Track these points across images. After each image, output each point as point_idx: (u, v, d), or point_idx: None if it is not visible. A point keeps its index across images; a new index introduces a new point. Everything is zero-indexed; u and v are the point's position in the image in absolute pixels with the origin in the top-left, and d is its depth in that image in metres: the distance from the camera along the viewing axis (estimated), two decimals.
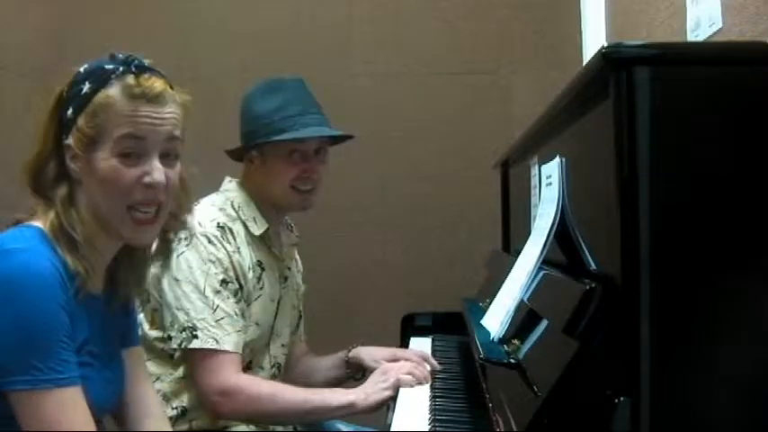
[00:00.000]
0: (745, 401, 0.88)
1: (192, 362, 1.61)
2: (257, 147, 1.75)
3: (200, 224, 1.63)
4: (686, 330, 0.87)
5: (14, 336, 1.07)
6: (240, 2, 2.76)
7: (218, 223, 1.67)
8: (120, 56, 1.20)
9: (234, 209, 1.73)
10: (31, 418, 1.09)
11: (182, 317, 1.59)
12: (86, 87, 1.18)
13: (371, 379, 1.67)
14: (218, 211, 1.71)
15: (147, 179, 1.18)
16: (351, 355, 1.89)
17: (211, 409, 1.61)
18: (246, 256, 1.69)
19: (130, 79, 1.18)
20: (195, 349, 1.58)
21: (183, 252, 1.60)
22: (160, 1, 2.75)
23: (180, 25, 2.72)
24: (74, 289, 1.14)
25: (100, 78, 1.18)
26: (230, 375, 1.59)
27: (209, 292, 1.60)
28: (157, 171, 1.18)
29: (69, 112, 1.18)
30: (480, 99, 2.69)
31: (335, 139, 1.85)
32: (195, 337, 1.58)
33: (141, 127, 1.17)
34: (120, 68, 1.19)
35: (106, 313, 1.27)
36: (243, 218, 1.72)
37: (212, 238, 1.64)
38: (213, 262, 1.62)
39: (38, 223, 1.17)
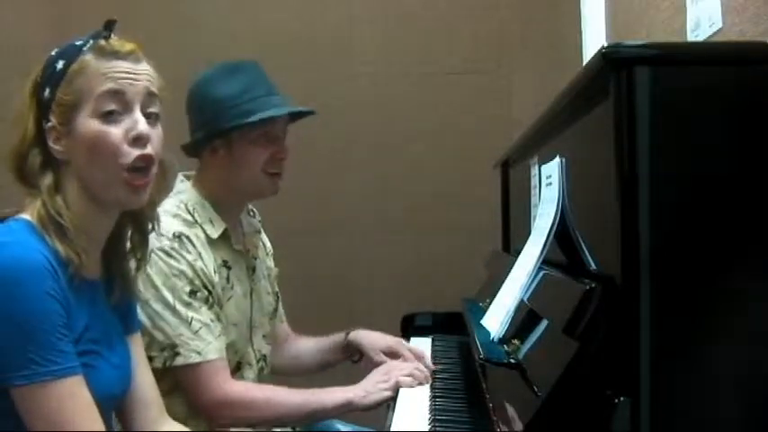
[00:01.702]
0: (745, 401, 0.88)
1: (180, 378, 1.57)
2: (223, 134, 1.66)
3: (155, 238, 1.54)
4: (686, 330, 0.87)
5: (9, 330, 1.07)
6: (240, 2, 2.76)
7: (174, 233, 1.59)
8: (88, 34, 1.22)
9: (189, 212, 1.65)
10: (34, 411, 1.09)
11: (159, 336, 1.54)
12: (60, 65, 1.18)
13: (372, 377, 1.67)
14: (173, 218, 1.62)
15: (133, 133, 1.18)
16: (350, 338, 1.87)
17: (212, 420, 1.59)
18: (209, 260, 1.63)
19: (102, 42, 1.19)
20: (181, 366, 1.55)
21: (145, 272, 1.53)
22: (161, 2, 2.75)
23: (180, 26, 2.72)
24: (67, 276, 1.14)
25: (72, 53, 1.19)
26: (221, 385, 1.57)
27: (180, 307, 1.55)
28: (141, 123, 1.18)
29: (46, 92, 1.18)
30: (480, 99, 2.69)
31: (293, 119, 1.79)
32: (177, 354, 1.54)
33: (119, 81, 1.18)
34: (90, 41, 1.20)
35: (106, 300, 1.27)
36: (199, 221, 1.65)
37: (170, 251, 1.57)
38: (177, 275, 1.56)
39: (25, 215, 1.16)
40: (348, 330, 1.89)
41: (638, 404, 0.85)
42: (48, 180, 1.18)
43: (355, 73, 2.72)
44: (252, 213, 1.86)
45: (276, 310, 1.91)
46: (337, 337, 1.91)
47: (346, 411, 1.64)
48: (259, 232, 1.88)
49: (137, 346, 1.38)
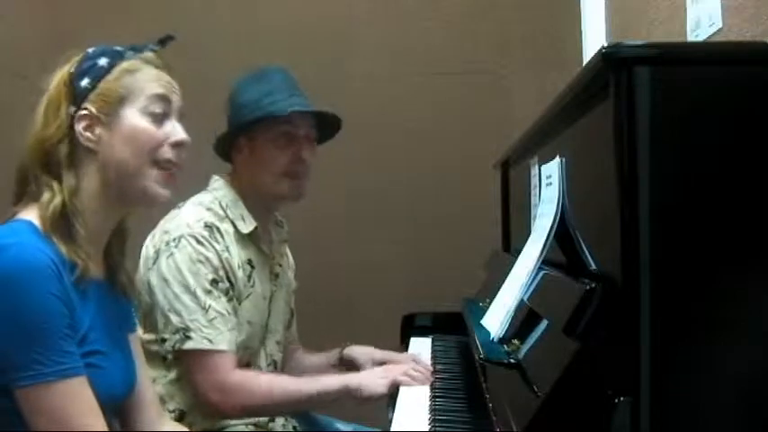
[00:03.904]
0: (745, 401, 0.88)
1: (188, 363, 1.60)
2: (246, 133, 1.74)
3: (187, 225, 1.63)
4: (686, 330, 0.87)
5: (15, 331, 1.07)
6: (240, 3, 2.76)
7: (206, 223, 1.65)
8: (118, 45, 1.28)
9: (222, 208, 1.71)
10: (37, 411, 1.09)
11: (174, 319, 1.58)
12: (103, 61, 1.24)
13: (372, 371, 1.68)
14: (206, 210, 1.69)
15: (174, 138, 1.26)
16: (345, 353, 1.89)
17: (212, 408, 1.61)
18: (235, 255, 1.67)
19: (149, 54, 1.27)
20: (190, 350, 1.57)
21: (172, 253, 1.60)
22: (160, 2, 2.75)
23: (180, 26, 2.67)
24: (73, 278, 1.14)
25: (115, 54, 1.25)
26: (227, 373, 1.59)
27: (199, 293, 1.58)
28: (182, 131, 1.27)
29: (85, 82, 1.22)
30: (480, 99, 2.69)
31: (325, 135, 1.84)
32: (189, 338, 1.57)
33: (168, 89, 1.26)
34: (129, 51, 1.27)
35: (109, 299, 1.28)
36: (231, 216, 1.70)
37: (200, 238, 1.62)
38: (202, 262, 1.60)
39: (27, 216, 1.16)
40: (342, 346, 1.91)
41: (638, 404, 0.85)
42: (71, 180, 1.19)
43: (354, 73, 2.72)
44: (280, 224, 1.91)
45: (290, 324, 1.94)
46: (333, 353, 1.93)
47: (344, 396, 1.64)
48: (285, 242, 1.91)
49: (135, 345, 1.38)
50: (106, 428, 1.15)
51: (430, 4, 2.73)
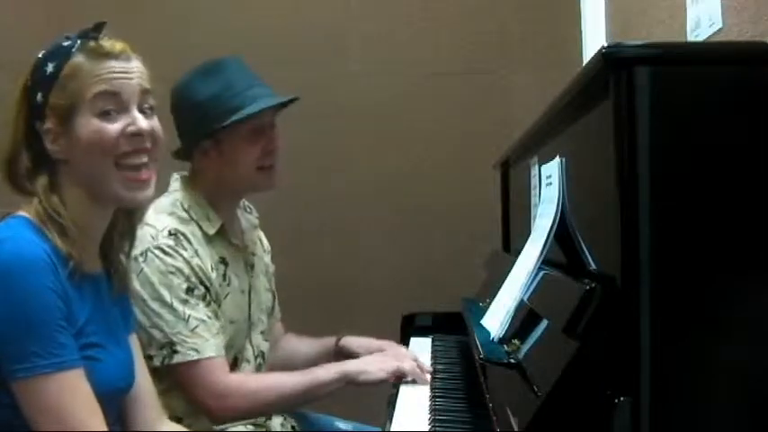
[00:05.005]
0: (745, 401, 0.88)
1: (180, 376, 1.58)
2: (212, 135, 1.66)
3: (152, 236, 1.58)
4: (686, 330, 0.87)
5: (10, 324, 1.08)
6: (239, 2, 2.76)
7: (170, 231, 1.60)
8: (75, 34, 1.23)
9: (184, 210, 1.66)
10: (33, 404, 1.09)
11: (157, 335, 1.55)
12: (50, 68, 1.20)
13: (372, 357, 1.68)
14: (168, 216, 1.63)
15: (131, 128, 1.20)
16: (341, 343, 1.88)
17: (212, 415, 1.60)
18: (206, 257, 1.63)
19: (92, 44, 1.20)
20: (179, 363, 1.55)
21: (141, 269, 1.55)
22: (158, 2, 2.75)
23: (178, 24, 2.71)
24: (67, 271, 1.14)
25: (61, 55, 1.20)
26: (220, 379, 1.57)
27: (177, 305, 1.55)
28: (140, 120, 1.20)
29: (39, 96, 1.20)
30: (480, 99, 2.69)
31: (281, 107, 1.77)
32: (175, 352, 1.54)
33: (113, 82, 1.19)
34: (78, 41, 1.21)
35: (108, 294, 1.28)
36: (195, 218, 1.65)
37: (167, 249, 1.57)
38: (173, 273, 1.57)
39: (23, 213, 1.18)
40: (339, 336, 1.90)
41: (638, 404, 0.85)
42: (43, 180, 1.19)
43: (353, 72, 2.71)
44: (248, 210, 1.87)
45: (273, 307, 1.92)
46: (328, 342, 1.91)
47: (343, 384, 1.63)
48: (256, 227, 1.88)
49: (134, 346, 1.38)
50: (102, 422, 1.15)
51: (430, 4, 2.73)
